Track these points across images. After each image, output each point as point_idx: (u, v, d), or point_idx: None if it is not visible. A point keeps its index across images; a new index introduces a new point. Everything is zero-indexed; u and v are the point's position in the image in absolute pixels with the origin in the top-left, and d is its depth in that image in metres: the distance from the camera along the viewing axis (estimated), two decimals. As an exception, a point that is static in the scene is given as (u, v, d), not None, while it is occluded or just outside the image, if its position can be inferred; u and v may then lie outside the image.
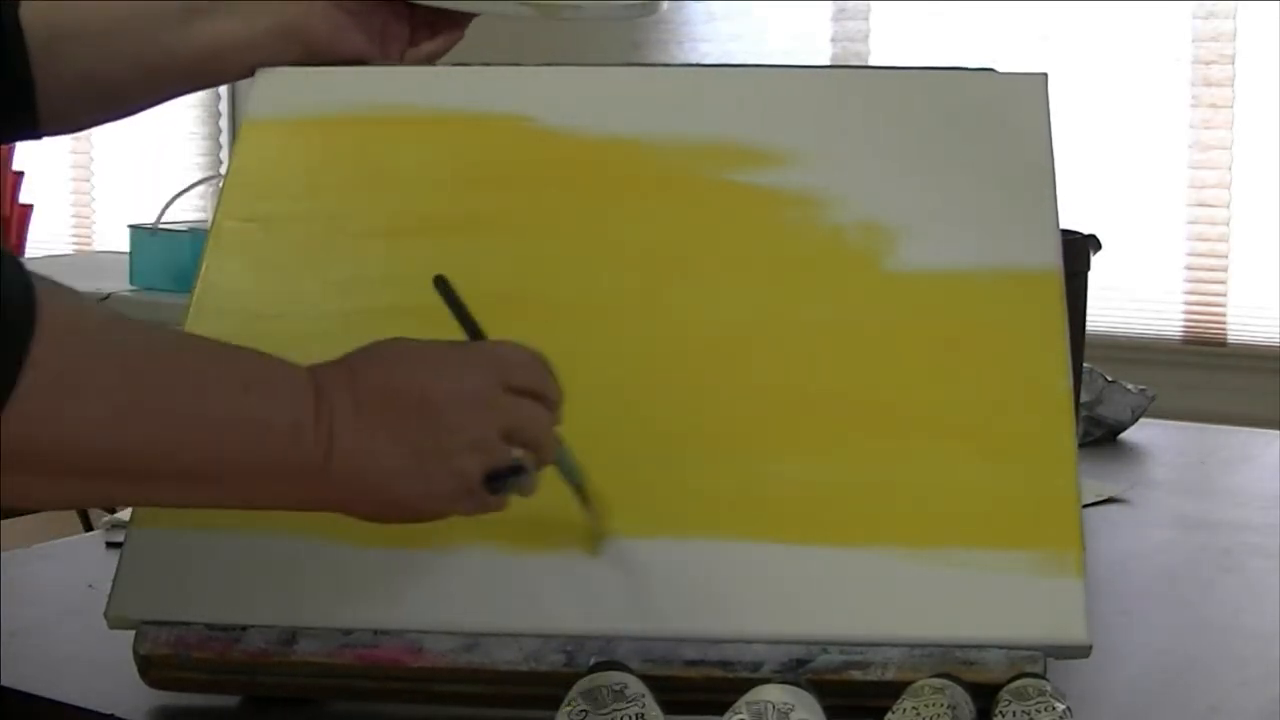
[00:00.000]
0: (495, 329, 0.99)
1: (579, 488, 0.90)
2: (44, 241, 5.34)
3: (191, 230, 3.10)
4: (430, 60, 1.15)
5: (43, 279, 0.75)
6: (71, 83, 1.09)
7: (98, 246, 5.23)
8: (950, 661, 0.87)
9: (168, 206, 3.18)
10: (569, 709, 0.81)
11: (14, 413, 0.72)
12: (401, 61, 1.14)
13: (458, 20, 1.15)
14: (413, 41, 1.14)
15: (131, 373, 0.77)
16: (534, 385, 0.85)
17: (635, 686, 0.82)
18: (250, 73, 1.11)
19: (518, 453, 0.84)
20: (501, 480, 0.84)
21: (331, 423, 0.80)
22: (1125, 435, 1.62)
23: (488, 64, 1.11)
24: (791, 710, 0.80)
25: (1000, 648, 0.87)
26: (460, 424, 0.82)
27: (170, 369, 0.79)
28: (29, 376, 0.72)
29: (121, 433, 0.76)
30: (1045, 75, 1.07)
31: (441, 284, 0.89)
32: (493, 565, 0.91)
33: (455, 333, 0.89)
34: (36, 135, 1.10)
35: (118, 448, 0.76)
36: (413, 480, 0.82)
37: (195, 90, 1.16)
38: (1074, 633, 0.87)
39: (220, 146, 5.19)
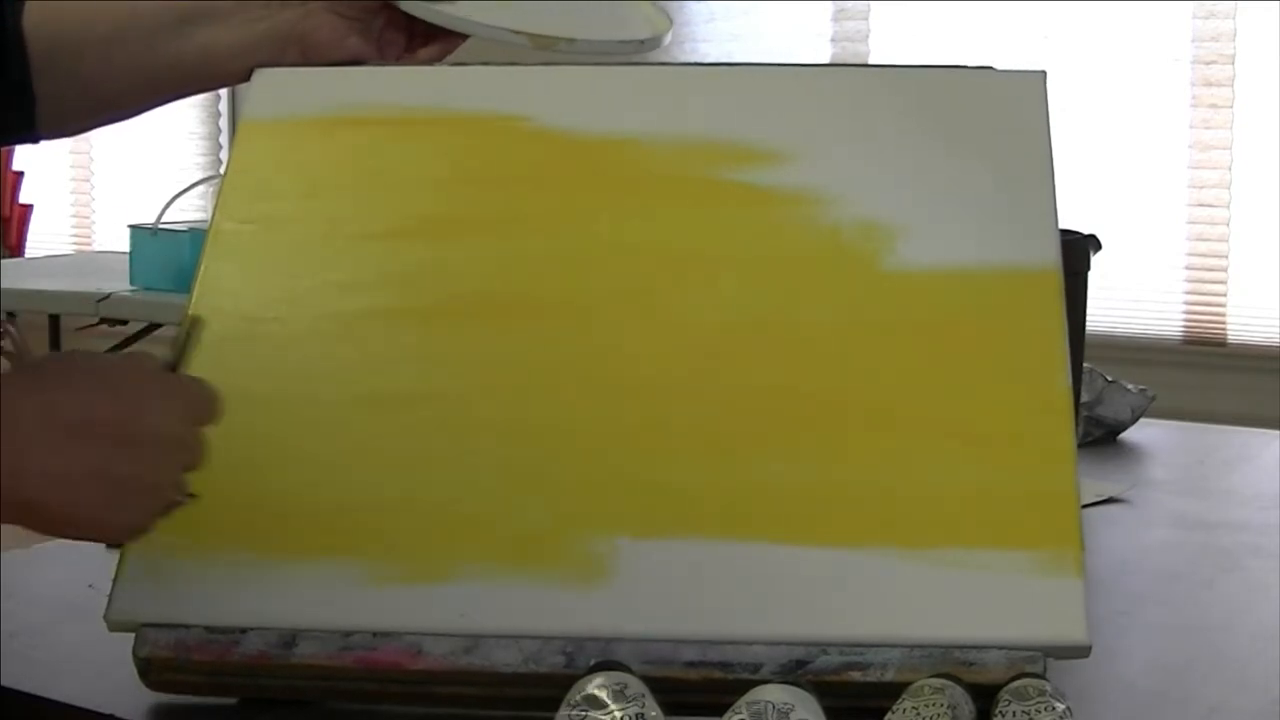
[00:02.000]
0: (492, 330, 1.00)
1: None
2: (44, 241, 5.36)
3: (191, 230, 3.10)
4: (427, 65, 1.15)
5: None
6: (71, 89, 1.09)
7: (98, 246, 5.24)
8: (950, 661, 0.86)
9: (168, 206, 3.19)
10: (569, 709, 0.81)
11: None
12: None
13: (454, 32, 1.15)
14: (409, 48, 1.14)
15: None
16: (212, 421, 0.86)
17: (635, 686, 0.82)
18: (248, 78, 1.11)
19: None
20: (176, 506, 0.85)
21: (16, 441, 0.79)
22: (1125, 435, 1.61)
23: (487, 64, 1.11)
24: (791, 710, 0.80)
25: (1000, 648, 0.87)
26: (160, 461, 0.83)
27: None
28: None
29: None
30: (1044, 73, 1.07)
31: (195, 324, 0.90)
32: (491, 568, 0.91)
33: (466, 330, 0.89)
34: (35, 140, 1.10)
35: None
36: (109, 510, 0.82)
37: (194, 95, 1.16)
38: (1074, 633, 0.87)
39: (220, 146, 5.20)
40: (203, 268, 1.03)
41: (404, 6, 1.13)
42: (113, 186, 5.40)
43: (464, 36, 1.15)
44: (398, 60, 1.14)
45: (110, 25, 1.10)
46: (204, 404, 0.85)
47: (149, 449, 0.82)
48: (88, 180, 5.48)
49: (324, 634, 0.89)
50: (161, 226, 3.17)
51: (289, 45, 1.10)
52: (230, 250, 1.04)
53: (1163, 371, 3.01)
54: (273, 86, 1.11)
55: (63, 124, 1.11)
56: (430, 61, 1.15)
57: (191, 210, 4.17)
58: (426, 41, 1.15)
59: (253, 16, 1.10)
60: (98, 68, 1.10)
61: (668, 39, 1.20)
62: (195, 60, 1.11)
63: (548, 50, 1.13)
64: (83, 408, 0.81)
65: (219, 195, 1.06)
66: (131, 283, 3.23)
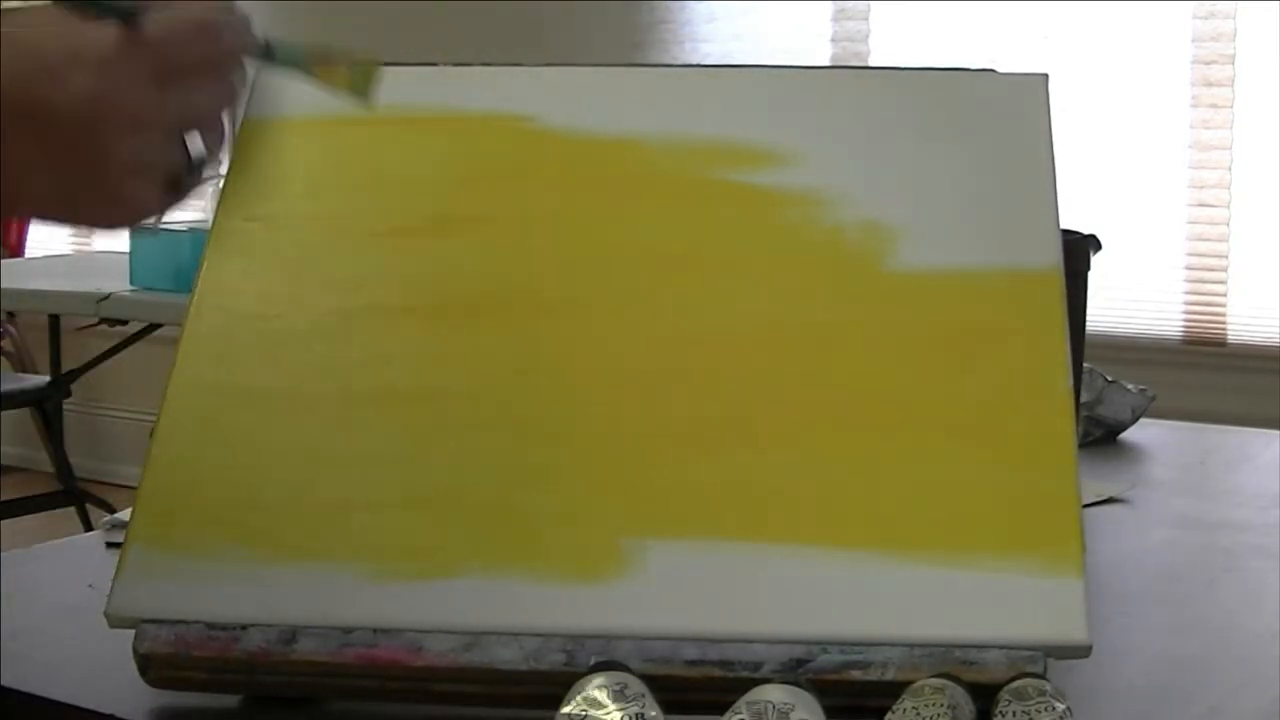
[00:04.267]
0: (495, 328, 1.00)
1: (312, 67, 0.77)
2: (44, 241, 5.35)
3: (191, 230, 3.10)
4: None
5: None
6: None
7: (98, 246, 5.23)
8: (950, 661, 0.87)
9: (168, 206, 3.18)
10: (569, 708, 0.81)
11: None
12: None
13: None
14: None
15: None
16: (199, 57, 0.71)
17: (635, 686, 0.82)
18: (247, 74, 1.11)
19: (194, 143, 0.72)
20: (184, 181, 0.73)
21: None
22: (1125, 435, 1.62)
23: (488, 64, 1.11)
24: (791, 710, 0.80)
25: (1000, 648, 0.87)
26: (116, 146, 0.69)
27: None
28: None
29: None
30: (1046, 76, 1.07)
31: None
32: (492, 565, 0.91)
33: (468, 329, 0.88)
34: None
35: None
36: (81, 217, 0.74)
37: None
38: (1074, 633, 0.87)
39: (220, 146, 5.19)
40: (204, 266, 1.03)
41: None
42: (113, 186, 5.38)
43: None
44: None
45: None
46: (161, 51, 0.69)
47: (98, 138, 0.69)
48: (88, 179, 5.47)
49: (324, 630, 0.90)
50: (161, 226, 3.16)
51: None
52: (232, 249, 1.04)
53: (1163, 371, 3.00)
54: (274, 86, 1.11)
55: None
56: None
57: (192, 210, 4.17)
58: None
59: None
60: None
61: None
62: None
63: None
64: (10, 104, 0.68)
65: (221, 193, 1.07)
66: (131, 283, 3.23)
